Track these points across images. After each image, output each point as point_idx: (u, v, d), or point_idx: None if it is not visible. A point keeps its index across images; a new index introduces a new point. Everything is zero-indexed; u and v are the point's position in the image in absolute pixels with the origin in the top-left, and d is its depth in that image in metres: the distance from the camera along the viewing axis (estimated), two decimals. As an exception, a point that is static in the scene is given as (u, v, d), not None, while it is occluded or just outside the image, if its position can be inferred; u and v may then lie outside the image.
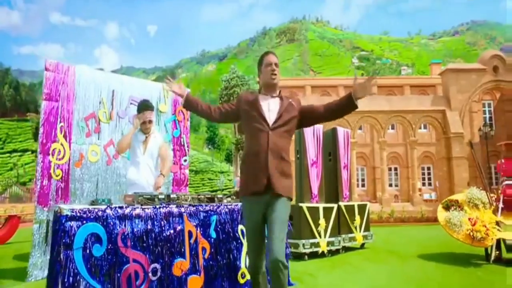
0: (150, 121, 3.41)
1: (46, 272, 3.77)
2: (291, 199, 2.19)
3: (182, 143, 5.22)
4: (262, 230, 2.18)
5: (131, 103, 4.83)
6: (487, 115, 22.29)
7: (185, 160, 5.22)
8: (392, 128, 24.27)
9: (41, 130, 4.10)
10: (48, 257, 3.83)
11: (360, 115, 17.83)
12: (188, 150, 5.33)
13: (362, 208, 6.29)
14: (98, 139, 4.52)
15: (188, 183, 5.24)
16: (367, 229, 6.32)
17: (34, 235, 3.89)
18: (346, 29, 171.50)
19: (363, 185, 25.18)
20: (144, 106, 3.42)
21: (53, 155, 4.12)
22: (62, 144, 4.21)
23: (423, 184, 24.80)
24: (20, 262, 4.75)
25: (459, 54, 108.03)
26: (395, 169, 25.51)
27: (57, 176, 4.13)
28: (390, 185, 24.39)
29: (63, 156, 4.21)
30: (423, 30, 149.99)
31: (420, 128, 20.19)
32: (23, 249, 5.43)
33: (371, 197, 23.28)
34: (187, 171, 5.26)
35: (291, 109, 2.24)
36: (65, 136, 4.25)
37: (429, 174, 25.27)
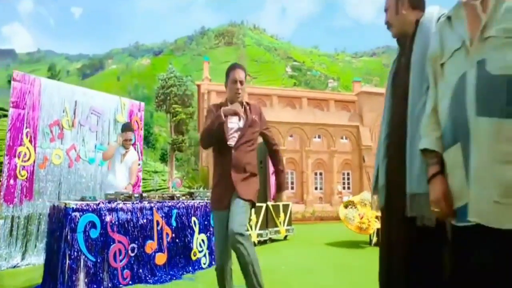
0: (130, 139, 4.26)
1: (10, 263, 4.30)
2: (253, 202, 2.28)
3: (136, 150, 5.97)
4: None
5: (91, 113, 5.45)
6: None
7: (138, 164, 5.97)
8: (319, 137, 27.06)
9: (8, 134, 4.54)
10: (13, 249, 4.39)
11: (290, 126, 19.87)
12: (141, 155, 6.09)
13: (285, 207, 7.71)
14: (61, 144, 5.06)
15: (141, 183, 6.00)
16: (289, 224, 7.75)
17: (-1, 229, 4.33)
18: (281, 39, 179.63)
19: (292, 188, 27.41)
20: (127, 128, 4.30)
21: (19, 157, 4.58)
22: (27, 148, 4.69)
23: (343, 188, 28.06)
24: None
25: (376, 73, 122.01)
26: (321, 174, 28.29)
27: (22, 176, 4.60)
28: (316, 188, 26.90)
29: (29, 159, 4.70)
30: (348, 48, 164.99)
31: (342, 138, 23.08)
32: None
33: (299, 199, 25.55)
34: (140, 174, 6.01)
35: (254, 125, 2.31)
36: (30, 141, 4.73)
37: (348, 179, 28.65)
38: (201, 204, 4.27)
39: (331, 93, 32.18)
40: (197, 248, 4.04)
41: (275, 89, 32.83)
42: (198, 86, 27.02)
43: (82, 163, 5.24)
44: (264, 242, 6.76)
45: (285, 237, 7.57)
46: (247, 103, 2.36)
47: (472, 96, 1.00)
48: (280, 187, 2.48)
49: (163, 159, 44.41)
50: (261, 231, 6.63)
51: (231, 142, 2.23)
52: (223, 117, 2.18)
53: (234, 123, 2.27)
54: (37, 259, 4.52)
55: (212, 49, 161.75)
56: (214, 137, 2.24)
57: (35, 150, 4.78)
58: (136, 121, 6.03)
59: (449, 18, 1.17)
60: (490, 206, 0.96)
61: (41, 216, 4.73)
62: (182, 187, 10.91)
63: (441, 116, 1.10)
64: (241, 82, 2.29)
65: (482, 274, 0.95)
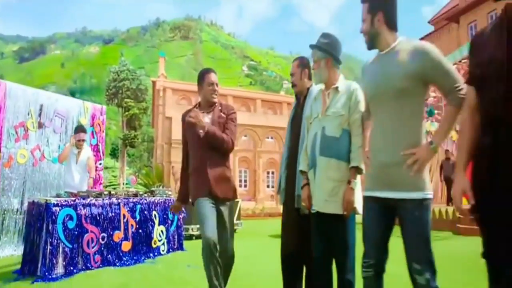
0: (83, 140, 4.76)
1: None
2: (232, 199, 2.46)
3: (99, 150, 6.44)
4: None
5: (55, 116, 5.84)
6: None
7: (100, 164, 6.44)
8: (272, 137, 28.34)
9: (-26, 135, 4.83)
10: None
11: (243, 128, 20.83)
12: (103, 155, 6.57)
13: (235, 203, 8.62)
14: (26, 144, 5.41)
15: (102, 181, 6.48)
16: (238, 218, 8.66)
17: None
18: (239, 37, 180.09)
19: (245, 186, 28.37)
20: (79, 129, 4.78)
21: (-15, 156, 4.90)
22: (-7, 148, 5.01)
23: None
24: None
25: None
26: (273, 172, 29.61)
27: (-13, 174, 4.92)
28: (268, 186, 28.09)
29: (-6, 158, 5.01)
30: (302, 51, 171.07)
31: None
32: None
33: (252, 196, 26.59)
34: (101, 172, 6.48)
35: (221, 119, 2.46)
36: (-4, 141, 5.05)
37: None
38: (161, 200, 4.99)
39: (285, 96, 33.72)
40: (157, 237, 4.77)
41: (230, 89, 33.49)
42: (154, 82, 26.80)
43: (46, 162, 5.62)
44: (215, 234, 7.60)
45: (234, 231, 8.48)
46: (220, 104, 2.52)
47: (318, 145, 1.94)
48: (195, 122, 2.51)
49: (114, 154, 42.82)
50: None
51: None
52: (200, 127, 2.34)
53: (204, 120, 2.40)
54: (1, 251, 4.88)
55: (167, 42, 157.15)
56: (190, 135, 2.44)
57: (0, 149, 5.10)
58: (99, 124, 6.49)
59: (315, 97, 2.13)
60: (322, 201, 1.91)
61: (5, 212, 5.07)
62: (137, 184, 11.25)
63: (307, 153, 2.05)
64: (217, 85, 2.49)
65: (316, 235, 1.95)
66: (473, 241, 4.88)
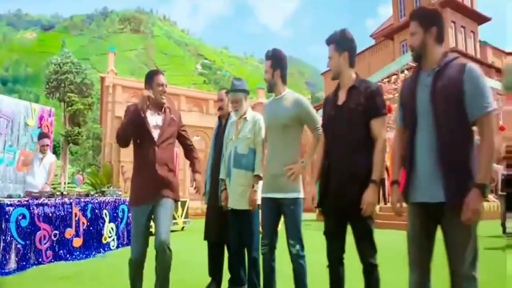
0: (47, 145, 5.02)
1: None
2: (176, 200, 2.45)
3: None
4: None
5: (0, 117, 5.85)
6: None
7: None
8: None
9: None
10: None
11: (194, 129, 21.13)
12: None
13: (183, 203, 9.09)
14: (-31, 145, 5.40)
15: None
16: (186, 217, 9.14)
17: None
18: (193, 35, 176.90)
19: (195, 185, 28.49)
20: (43, 136, 5.09)
21: None
22: None
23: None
24: None
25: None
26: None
27: None
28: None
29: None
30: (256, 53, 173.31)
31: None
32: None
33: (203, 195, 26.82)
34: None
35: (173, 124, 2.49)
36: None
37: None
38: (111, 200, 5.35)
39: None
40: (107, 234, 5.13)
41: (183, 89, 33.26)
42: (102, 78, 25.75)
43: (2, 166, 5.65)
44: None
45: (182, 228, 8.95)
46: (168, 107, 2.53)
47: (232, 160, 2.63)
48: (198, 189, 2.66)
49: (54, 152, 39.86)
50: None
51: (154, 139, 2.35)
52: (142, 113, 2.31)
53: (153, 121, 2.40)
54: None
55: (116, 34, 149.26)
56: (132, 134, 2.36)
57: None
58: (47, 125, 6.57)
59: (232, 123, 2.82)
60: (235, 201, 2.61)
61: None
62: (83, 183, 11.07)
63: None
64: (166, 85, 2.49)
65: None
66: (390, 233, 5.96)
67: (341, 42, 1.97)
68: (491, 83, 10.33)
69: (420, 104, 1.60)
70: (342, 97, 1.97)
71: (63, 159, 29.38)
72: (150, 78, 2.48)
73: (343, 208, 1.87)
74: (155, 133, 2.39)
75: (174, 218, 8.49)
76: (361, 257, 1.88)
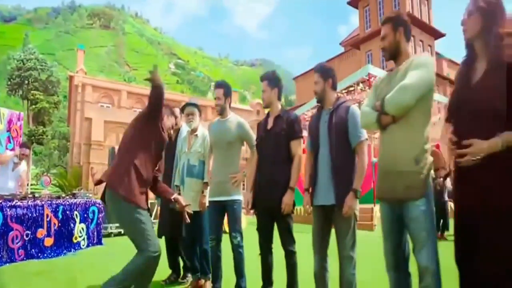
0: (26, 155, 5.29)
1: None
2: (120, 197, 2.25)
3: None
4: None
5: (-32, 120, 5.96)
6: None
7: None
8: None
9: None
10: None
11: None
12: (19, 159, 6.77)
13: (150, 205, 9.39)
14: None
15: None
16: (155, 218, 9.45)
17: None
18: (166, 33, 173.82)
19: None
20: (25, 145, 5.41)
21: None
22: None
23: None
24: None
25: (254, 82, 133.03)
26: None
27: None
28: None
29: None
30: (230, 55, 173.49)
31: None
32: None
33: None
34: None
35: None
36: None
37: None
38: (82, 202, 5.65)
39: (212, 101, 34.54)
40: (78, 234, 5.43)
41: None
42: (71, 77, 25.12)
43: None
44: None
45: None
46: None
47: (185, 170, 3.12)
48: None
49: (15, 152, 37.78)
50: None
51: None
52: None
53: None
54: None
55: (85, 29, 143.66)
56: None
57: None
58: (16, 129, 6.70)
59: (184, 137, 3.32)
60: (195, 202, 3.12)
61: None
62: (50, 185, 10.99)
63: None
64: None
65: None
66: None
67: (273, 80, 2.57)
68: (436, 97, 11.49)
69: (321, 135, 2.21)
70: (270, 123, 2.56)
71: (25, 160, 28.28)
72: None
73: (270, 209, 2.44)
74: None
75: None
76: (283, 245, 2.46)
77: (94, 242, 5.78)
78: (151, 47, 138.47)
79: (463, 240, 1.52)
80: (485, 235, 1.40)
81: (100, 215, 6.05)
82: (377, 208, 9.12)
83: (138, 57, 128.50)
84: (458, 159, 1.48)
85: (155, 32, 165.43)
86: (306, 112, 13.46)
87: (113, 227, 7.48)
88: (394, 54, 1.86)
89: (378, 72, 10.30)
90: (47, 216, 4.96)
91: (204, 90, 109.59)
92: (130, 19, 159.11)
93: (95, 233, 5.86)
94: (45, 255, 4.77)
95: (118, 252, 5.33)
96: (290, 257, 2.44)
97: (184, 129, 3.44)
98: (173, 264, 3.55)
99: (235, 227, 2.74)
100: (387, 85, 1.80)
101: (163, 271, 3.63)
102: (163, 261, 3.55)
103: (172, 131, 3.50)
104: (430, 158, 1.69)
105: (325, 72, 2.26)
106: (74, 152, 21.11)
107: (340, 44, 38.86)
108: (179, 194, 3.18)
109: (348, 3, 28.39)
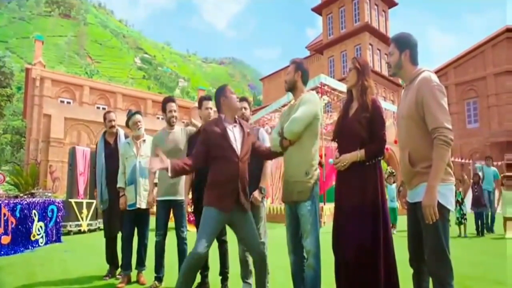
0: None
1: None
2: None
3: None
4: None
5: None
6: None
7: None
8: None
9: None
10: None
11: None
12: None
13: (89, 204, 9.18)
14: None
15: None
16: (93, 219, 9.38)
17: None
18: (131, 26, 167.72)
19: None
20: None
21: None
22: None
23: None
24: None
25: (223, 80, 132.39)
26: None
27: None
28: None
29: None
30: (199, 52, 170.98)
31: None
32: None
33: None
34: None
35: (251, 138, 2.64)
36: None
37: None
38: (41, 201, 5.79)
39: (180, 100, 34.19)
40: (36, 232, 5.58)
41: (121, 87, 31.89)
42: (28, 70, 23.84)
43: None
44: (94, 230, 8.34)
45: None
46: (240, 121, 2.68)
47: (138, 171, 3.50)
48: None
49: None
50: (91, 222, 8.21)
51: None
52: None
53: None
54: None
55: (42, 16, 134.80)
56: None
57: None
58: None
59: (128, 143, 3.71)
60: (139, 201, 3.50)
61: None
62: (5, 183, 10.58)
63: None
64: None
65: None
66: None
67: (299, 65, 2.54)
68: (385, 105, 12.61)
69: None
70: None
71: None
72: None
73: None
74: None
75: (79, 220, 7.87)
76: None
77: (53, 239, 5.94)
78: (115, 40, 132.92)
79: (334, 229, 2.18)
80: (346, 225, 2.06)
81: (59, 214, 6.21)
82: (326, 207, 9.89)
83: (101, 49, 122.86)
84: (335, 165, 2.16)
85: (120, 24, 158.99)
86: (271, 113, 13.92)
87: (72, 225, 7.58)
88: (291, 89, 2.43)
89: (330, 82, 11.16)
90: (4, 215, 5.09)
91: (171, 86, 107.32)
92: (93, 9, 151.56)
93: (54, 231, 6.02)
94: (2, 253, 4.91)
95: (77, 249, 5.57)
96: (222, 245, 3.11)
97: (122, 133, 3.84)
98: (112, 259, 3.79)
99: (182, 223, 3.25)
100: (287, 116, 2.36)
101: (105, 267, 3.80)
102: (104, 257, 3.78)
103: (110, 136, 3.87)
104: (317, 171, 2.28)
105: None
106: (31, 149, 20.16)
107: (306, 47, 40.12)
108: (124, 194, 3.53)
109: (313, 9, 29.51)
